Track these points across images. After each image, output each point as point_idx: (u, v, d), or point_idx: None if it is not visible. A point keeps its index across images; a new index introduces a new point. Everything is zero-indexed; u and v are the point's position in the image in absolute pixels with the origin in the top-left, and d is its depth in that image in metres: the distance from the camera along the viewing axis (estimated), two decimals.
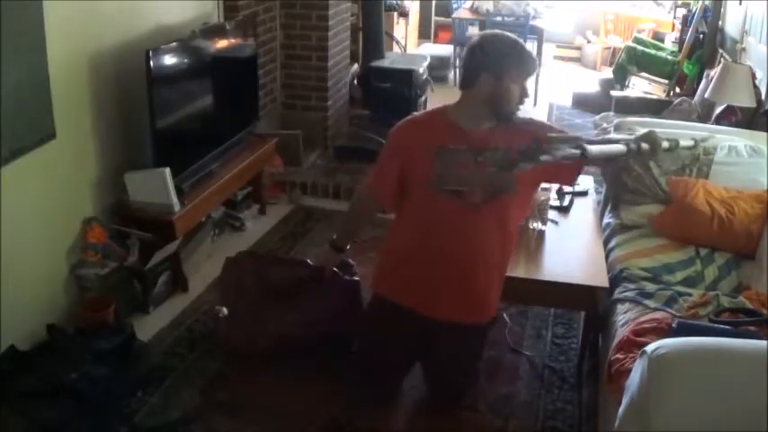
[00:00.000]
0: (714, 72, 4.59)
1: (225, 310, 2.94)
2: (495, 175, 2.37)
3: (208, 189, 3.51)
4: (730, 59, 4.94)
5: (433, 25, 8.55)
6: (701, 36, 5.88)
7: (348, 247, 2.81)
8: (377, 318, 2.66)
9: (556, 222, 3.09)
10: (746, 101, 4.17)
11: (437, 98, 5.01)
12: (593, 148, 2.14)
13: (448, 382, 2.67)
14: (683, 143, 2.67)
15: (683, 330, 2.12)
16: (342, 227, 2.82)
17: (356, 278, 2.88)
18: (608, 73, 7.00)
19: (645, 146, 2.37)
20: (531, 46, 6.77)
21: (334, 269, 2.81)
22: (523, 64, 2.37)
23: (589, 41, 8.59)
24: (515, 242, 2.62)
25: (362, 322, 2.76)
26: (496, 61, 2.35)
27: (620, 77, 6.46)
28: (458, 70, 7.33)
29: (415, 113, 2.63)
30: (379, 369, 2.68)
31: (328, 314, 2.79)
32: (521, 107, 2.44)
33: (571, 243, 2.97)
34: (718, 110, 4.49)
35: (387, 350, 2.63)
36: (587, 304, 2.74)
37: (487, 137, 2.40)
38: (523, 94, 2.40)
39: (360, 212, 2.75)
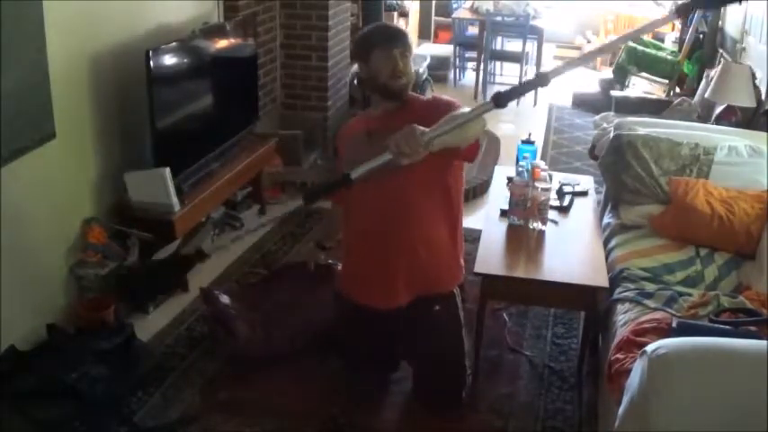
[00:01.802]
0: (714, 72, 4.60)
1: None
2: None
3: (208, 189, 3.51)
4: (730, 59, 4.94)
5: (432, 25, 8.54)
6: (701, 36, 5.88)
7: (330, 245, 2.84)
8: (342, 316, 2.71)
9: (556, 222, 3.09)
10: (746, 101, 4.18)
11: None
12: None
13: (433, 378, 2.64)
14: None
15: (683, 330, 2.12)
16: (324, 227, 2.87)
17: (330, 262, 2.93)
18: (608, 73, 6.99)
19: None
20: (531, 46, 6.84)
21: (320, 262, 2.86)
22: (378, 36, 2.44)
23: (589, 41, 8.59)
24: (455, 207, 2.55)
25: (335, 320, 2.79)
26: (360, 47, 2.48)
27: (621, 77, 6.46)
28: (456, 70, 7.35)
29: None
30: (357, 364, 2.74)
31: (328, 310, 2.81)
32: (404, 81, 2.40)
33: (571, 243, 2.97)
34: (718, 110, 4.49)
35: (359, 347, 2.68)
36: (587, 304, 2.74)
37: (384, 120, 2.44)
38: (395, 65, 2.37)
39: (333, 213, 2.81)
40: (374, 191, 2.42)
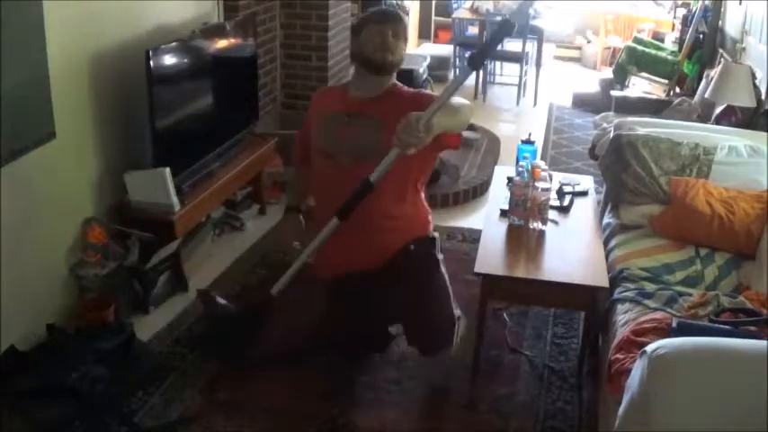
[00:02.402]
0: (714, 72, 4.60)
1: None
2: (362, 139, 2.49)
3: (208, 189, 3.51)
4: (730, 59, 4.94)
5: (433, 25, 8.54)
6: (701, 36, 5.88)
7: (302, 206, 2.87)
8: (326, 297, 2.74)
9: (556, 222, 3.09)
10: (746, 101, 4.18)
11: None
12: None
13: (421, 318, 2.62)
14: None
15: (683, 330, 2.12)
16: (290, 191, 3.02)
17: None
18: (608, 73, 7.00)
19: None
20: (531, 46, 6.84)
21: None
22: (376, 14, 2.54)
23: (589, 41, 8.59)
24: (413, 196, 2.65)
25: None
26: (357, 23, 2.60)
27: (621, 77, 6.46)
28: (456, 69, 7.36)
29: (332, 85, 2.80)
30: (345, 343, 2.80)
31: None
32: (389, 57, 2.46)
33: (571, 243, 2.97)
34: (718, 110, 4.49)
35: (342, 323, 2.71)
36: (587, 304, 2.74)
37: (366, 104, 2.52)
38: (383, 40, 2.44)
39: (298, 176, 2.90)
40: (336, 178, 2.49)
